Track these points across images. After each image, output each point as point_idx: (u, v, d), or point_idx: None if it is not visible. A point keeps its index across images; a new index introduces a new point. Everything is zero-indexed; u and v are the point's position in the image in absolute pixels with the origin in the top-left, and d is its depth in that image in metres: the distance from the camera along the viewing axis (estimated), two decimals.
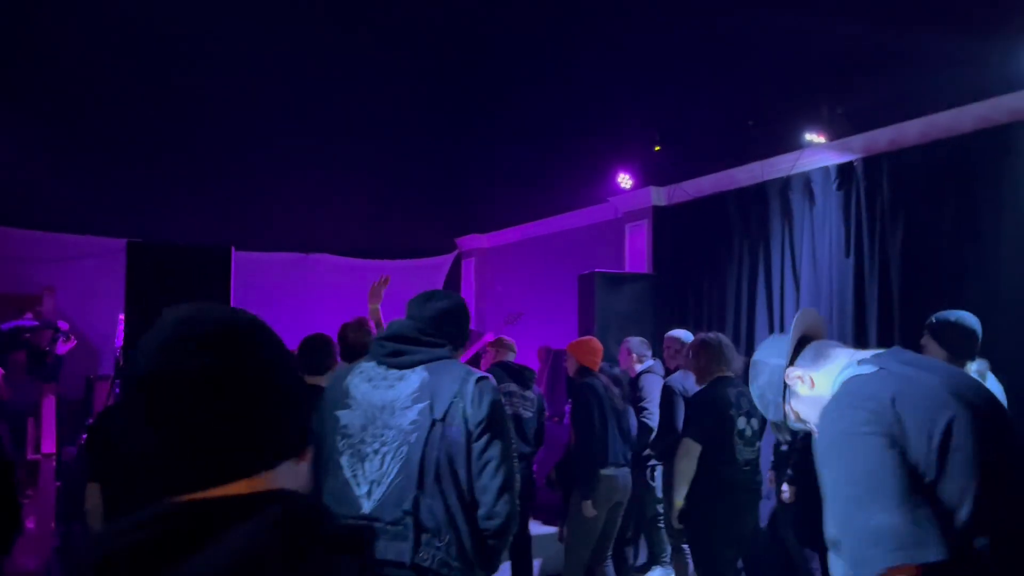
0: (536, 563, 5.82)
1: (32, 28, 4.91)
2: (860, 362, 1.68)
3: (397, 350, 2.39)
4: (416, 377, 2.33)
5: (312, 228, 9.24)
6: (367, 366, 2.42)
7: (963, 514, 1.44)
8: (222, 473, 0.85)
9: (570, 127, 6.72)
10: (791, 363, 1.83)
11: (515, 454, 2.39)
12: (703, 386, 4.52)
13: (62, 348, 7.06)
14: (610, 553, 5.15)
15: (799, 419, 1.87)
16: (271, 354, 0.94)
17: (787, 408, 1.86)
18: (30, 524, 6.30)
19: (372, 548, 0.85)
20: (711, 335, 4.64)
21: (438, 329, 2.42)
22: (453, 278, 11.11)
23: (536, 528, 6.38)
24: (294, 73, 5.67)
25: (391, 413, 2.29)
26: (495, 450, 2.28)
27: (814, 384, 1.79)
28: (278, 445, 0.92)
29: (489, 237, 10.80)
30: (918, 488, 1.44)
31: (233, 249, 5.50)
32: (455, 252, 11.24)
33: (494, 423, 2.30)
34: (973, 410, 1.53)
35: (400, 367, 2.36)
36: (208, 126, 6.32)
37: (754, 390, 1.95)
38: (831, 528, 1.52)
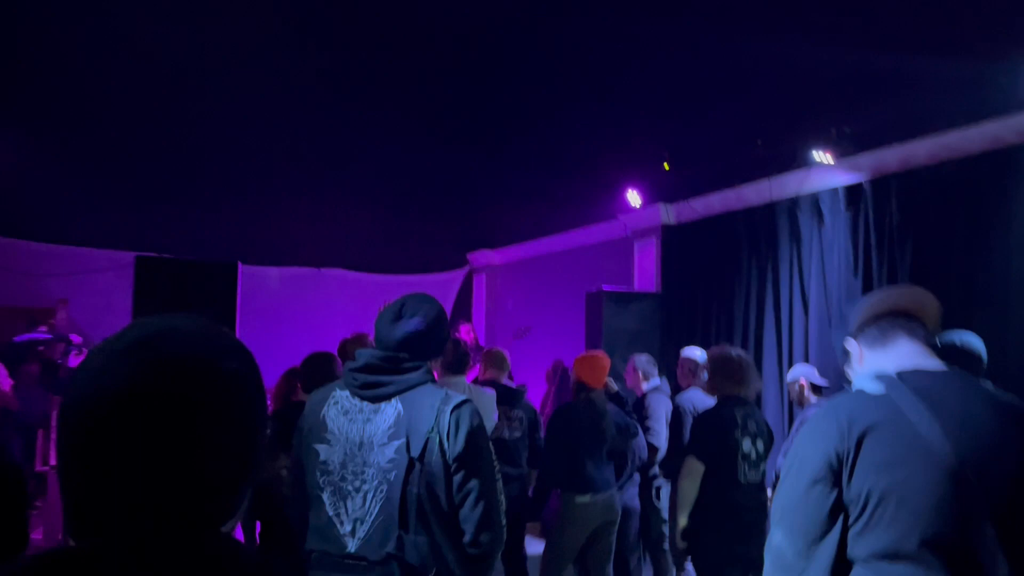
0: None
1: (45, 44, 4.96)
2: (878, 377, 1.66)
3: (368, 382, 2.32)
4: (391, 410, 2.28)
5: (324, 243, 9.27)
6: (341, 396, 2.36)
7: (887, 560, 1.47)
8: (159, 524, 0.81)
9: (580, 144, 6.73)
10: (856, 333, 1.85)
11: (498, 479, 2.36)
12: (716, 402, 4.48)
13: (74, 361, 7.12)
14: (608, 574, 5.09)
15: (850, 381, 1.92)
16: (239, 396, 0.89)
17: (847, 372, 1.91)
18: (38, 536, 6.33)
19: None
20: (734, 349, 4.56)
21: (410, 353, 2.34)
22: (464, 293, 11.13)
23: (535, 546, 6.35)
24: (306, 89, 5.70)
25: (369, 449, 2.26)
26: (474, 482, 2.25)
27: (862, 361, 1.82)
28: (229, 509, 0.87)
29: (500, 253, 10.81)
30: (834, 526, 1.52)
31: (240, 264, 5.55)
32: (466, 268, 11.26)
33: (472, 454, 2.26)
34: (956, 464, 1.49)
35: (374, 400, 2.31)
36: (219, 142, 6.36)
37: (840, 337, 2.03)
38: None
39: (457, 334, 5.20)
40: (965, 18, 4.40)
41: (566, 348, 8.60)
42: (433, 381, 2.39)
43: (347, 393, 2.36)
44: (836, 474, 1.53)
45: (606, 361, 4.97)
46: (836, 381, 5.94)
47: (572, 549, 4.74)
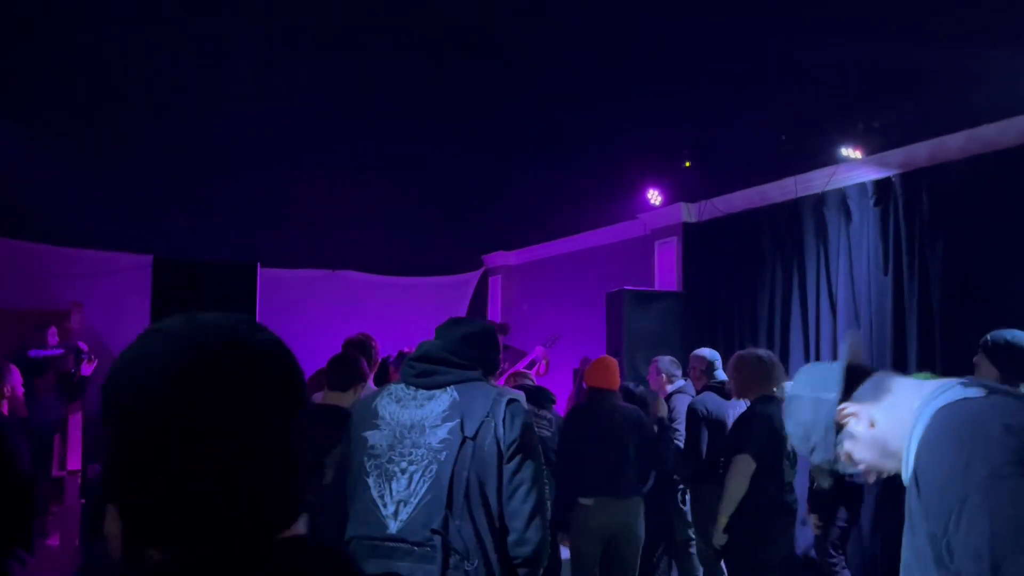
0: None
1: (62, 47, 4.93)
2: (966, 384, 1.47)
3: (426, 370, 2.35)
4: (447, 397, 2.29)
5: (339, 245, 9.24)
6: (396, 388, 2.38)
7: None
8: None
9: (599, 143, 6.64)
10: (844, 398, 1.63)
11: (547, 483, 2.31)
12: (751, 402, 4.38)
13: (87, 369, 7.10)
14: None
15: (851, 461, 1.66)
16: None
17: (838, 450, 1.65)
18: (54, 541, 6.28)
19: None
20: (761, 351, 4.53)
21: (467, 351, 2.37)
22: (479, 295, 11.05)
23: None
24: (323, 90, 5.65)
25: (420, 432, 2.24)
26: (527, 472, 2.22)
27: (874, 422, 1.59)
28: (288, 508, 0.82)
29: (516, 254, 10.73)
30: None
31: (259, 265, 5.48)
32: (481, 269, 11.18)
33: (526, 445, 2.24)
34: None
35: (429, 387, 2.32)
36: (236, 143, 6.32)
37: (794, 428, 1.73)
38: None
39: None
40: (995, 10, 4.30)
41: (585, 349, 8.49)
42: (487, 382, 2.41)
43: (402, 385, 2.38)
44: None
45: (613, 363, 4.91)
46: None
47: (588, 555, 4.62)
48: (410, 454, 2.22)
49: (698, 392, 5.45)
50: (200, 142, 6.27)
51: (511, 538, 2.19)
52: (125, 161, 6.60)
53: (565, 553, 5.35)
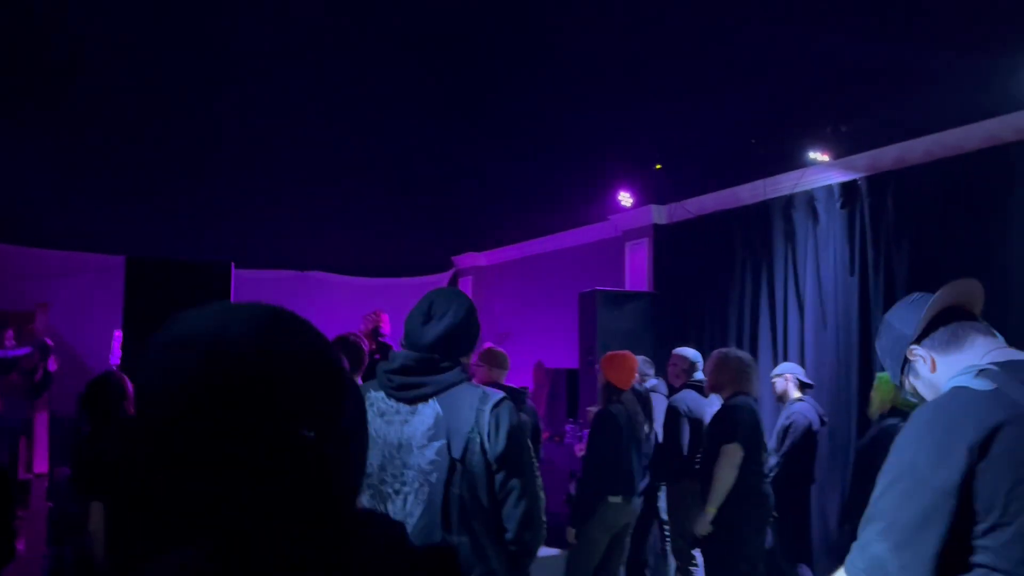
0: None
1: (29, 43, 4.85)
2: (981, 371, 1.56)
3: (404, 384, 2.29)
4: (430, 412, 2.26)
5: (309, 246, 9.19)
6: (376, 397, 2.32)
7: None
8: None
9: (571, 145, 6.69)
10: (919, 340, 1.73)
11: (539, 476, 2.36)
12: (731, 395, 4.50)
13: (52, 365, 7.00)
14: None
15: (915, 394, 1.80)
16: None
17: (905, 380, 1.80)
18: (20, 546, 6.16)
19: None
20: (740, 352, 4.68)
21: (443, 352, 2.30)
22: None
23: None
24: (293, 90, 5.62)
25: (408, 452, 2.23)
26: (516, 480, 2.24)
27: (935, 368, 1.71)
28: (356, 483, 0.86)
29: (487, 255, 10.75)
30: (955, 537, 1.42)
31: (233, 266, 5.44)
32: (452, 270, 11.19)
33: (513, 453, 2.25)
34: None
35: (411, 401, 2.28)
36: (208, 143, 6.27)
37: (878, 347, 1.89)
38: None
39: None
40: (960, 17, 4.43)
41: (555, 350, 8.56)
42: (469, 380, 2.35)
43: (382, 394, 2.32)
44: (964, 481, 1.42)
45: (634, 361, 4.91)
46: (828, 380, 5.95)
47: (599, 551, 4.70)
48: (401, 475, 2.23)
49: (677, 390, 5.53)
50: (173, 142, 6.21)
51: (507, 536, 2.25)
52: (97, 161, 6.51)
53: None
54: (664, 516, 5.60)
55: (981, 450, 1.41)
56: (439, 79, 5.53)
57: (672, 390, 5.81)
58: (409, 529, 2.12)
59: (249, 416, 0.76)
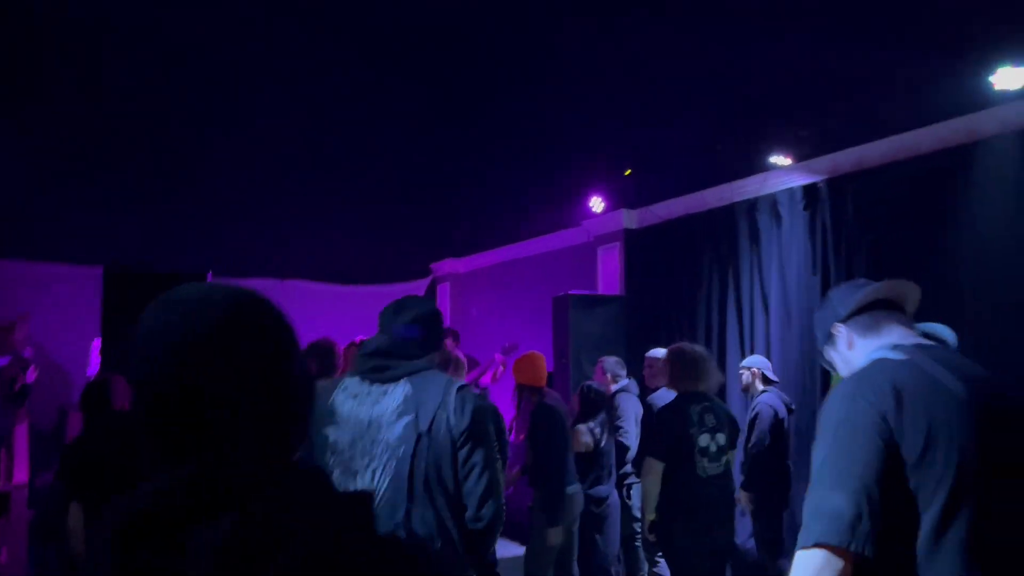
0: None
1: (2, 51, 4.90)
2: (896, 347, 1.76)
3: (378, 365, 2.47)
4: (400, 391, 2.42)
5: (287, 254, 9.24)
6: (350, 382, 2.49)
7: (932, 520, 1.55)
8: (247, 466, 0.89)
9: (543, 151, 6.82)
10: (846, 319, 1.91)
11: (499, 459, 2.51)
12: (667, 402, 4.62)
13: (31, 376, 7.04)
14: (575, 569, 5.17)
15: (832, 368, 1.99)
16: (288, 343, 0.99)
17: (826, 352, 1.98)
18: (3, 556, 6.20)
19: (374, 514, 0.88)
20: (691, 346, 4.72)
21: (414, 341, 2.50)
22: None
23: (504, 548, 6.39)
24: (270, 98, 5.70)
25: (378, 428, 2.37)
26: (478, 456, 2.39)
27: (852, 346, 1.89)
28: (298, 436, 0.97)
29: (464, 261, 10.86)
30: (891, 485, 1.55)
31: (210, 275, 5.53)
32: (430, 277, 11.28)
33: (476, 430, 2.41)
34: (988, 432, 1.60)
35: (383, 381, 2.44)
36: (186, 153, 6.33)
37: (814, 317, 2.06)
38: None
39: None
40: (914, 24, 4.60)
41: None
42: (437, 370, 2.54)
43: (356, 379, 2.50)
44: (888, 429, 1.58)
45: (542, 360, 5.10)
46: (793, 376, 6.12)
47: (556, 546, 4.82)
48: (371, 451, 2.36)
49: (655, 390, 5.67)
50: (150, 152, 6.26)
51: (468, 514, 2.39)
52: (75, 171, 6.55)
53: (502, 550, 5.52)
54: (637, 513, 5.73)
55: (897, 402, 1.60)
56: (415, 88, 5.63)
57: (649, 391, 5.98)
58: (378, 500, 2.31)
59: (237, 356, 0.90)
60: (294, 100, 5.73)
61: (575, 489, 4.88)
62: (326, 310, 9.57)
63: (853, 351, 1.89)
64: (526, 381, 4.96)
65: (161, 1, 4.32)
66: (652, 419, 5.27)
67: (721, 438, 4.45)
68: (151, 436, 0.89)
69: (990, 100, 4.94)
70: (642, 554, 5.77)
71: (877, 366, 1.73)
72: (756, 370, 5.46)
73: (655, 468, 4.37)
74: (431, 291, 11.27)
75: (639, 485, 5.61)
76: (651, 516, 4.45)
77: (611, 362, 6.13)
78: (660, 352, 5.78)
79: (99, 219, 7.24)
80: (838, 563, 1.50)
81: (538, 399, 4.93)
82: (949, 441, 1.57)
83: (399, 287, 10.92)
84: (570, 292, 7.52)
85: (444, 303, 11.07)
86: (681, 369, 4.58)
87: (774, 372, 5.73)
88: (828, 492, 1.57)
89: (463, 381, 2.54)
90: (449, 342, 7.57)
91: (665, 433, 4.40)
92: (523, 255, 9.73)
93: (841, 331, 1.91)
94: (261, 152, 6.53)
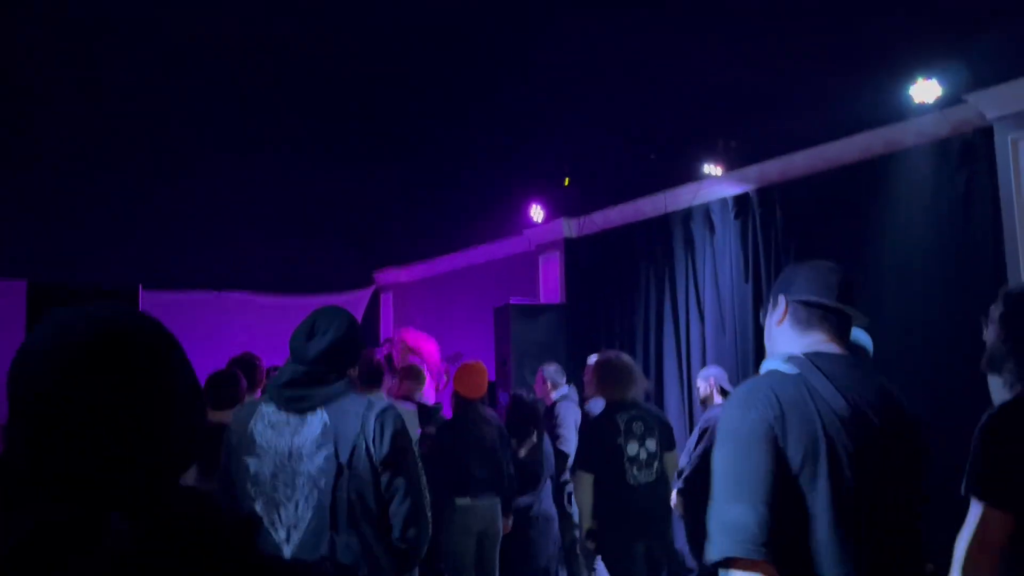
0: None
1: None
2: (790, 359, 1.82)
3: (293, 396, 2.44)
4: (318, 421, 2.40)
5: (223, 265, 9.09)
6: (267, 410, 2.46)
7: (822, 520, 1.65)
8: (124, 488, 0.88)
9: (484, 161, 6.86)
10: (798, 301, 1.93)
11: (422, 476, 2.52)
12: (603, 408, 4.66)
13: None
14: None
15: (764, 327, 2.04)
16: (172, 363, 0.97)
17: (766, 311, 2.02)
18: None
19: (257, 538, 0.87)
20: (612, 354, 4.76)
21: (328, 366, 2.45)
22: (371, 313, 11.07)
23: None
24: (200, 105, 5.63)
25: (299, 460, 2.37)
26: (400, 480, 2.41)
27: (780, 323, 1.94)
28: (183, 458, 0.95)
29: (407, 271, 10.83)
30: (783, 492, 1.64)
31: (141, 288, 5.43)
32: (372, 287, 11.22)
33: (397, 455, 2.41)
34: (865, 435, 1.70)
35: (300, 411, 2.42)
36: (111, 161, 6.20)
37: (780, 276, 2.06)
38: None
39: (380, 352, 5.21)
40: (836, 39, 4.76)
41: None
42: (355, 391, 2.50)
43: (273, 408, 2.46)
44: (775, 438, 1.66)
45: (482, 372, 5.00)
46: (729, 382, 6.24)
47: (466, 555, 4.75)
48: (293, 482, 2.36)
49: (591, 397, 5.71)
50: (74, 160, 6.11)
51: (393, 535, 2.41)
52: None
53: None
54: (576, 520, 5.77)
55: (781, 414, 1.68)
56: (355, 97, 5.63)
57: (588, 398, 6.02)
58: (300, 532, 2.33)
59: (110, 368, 0.90)
60: (231, 108, 5.67)
61: (469, 502, 4.77)
62: (266, 321, 9.43)
63: (779, 329, 1.95)
64: (462, 392, 4.93)
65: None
66: (584, 429, 5.31)
67: (651, 444, 4.48)
68: (29, 463, 0.88)
69: (908, 112, 5.13)
70: (583, 560, 5.81)
71: (766, 379, 1.79)
72: (713, 381, 5.51)
73: (585, 480, 4.43)
74: (374, 300, 11.20)
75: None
76: (587, 524, 4.49)
77: (551, 370, 6.17)
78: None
79: (22, 231, 7.03)
80: (753, 574, 1.58)
81: (462, 412, 4.89)
82: (825, 457, 1.66)
83: (341, 297, 10.82)
84: (511, 301, 7.55)
85: (387, 312, 11.01)
86: (607, 378, 4.62)
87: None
88: (729, 504, 1.64)
89: (384, 402, 2.49)
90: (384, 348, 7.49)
91: (594, 444, 4.45)
92: (466, 264, 9.74)
93: (781, 304, 1.96)
94: (193, 161, 6.43)
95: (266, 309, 9.79)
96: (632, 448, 4.42)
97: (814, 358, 1.81)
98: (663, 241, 7.04)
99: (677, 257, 6.92)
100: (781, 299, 1.95)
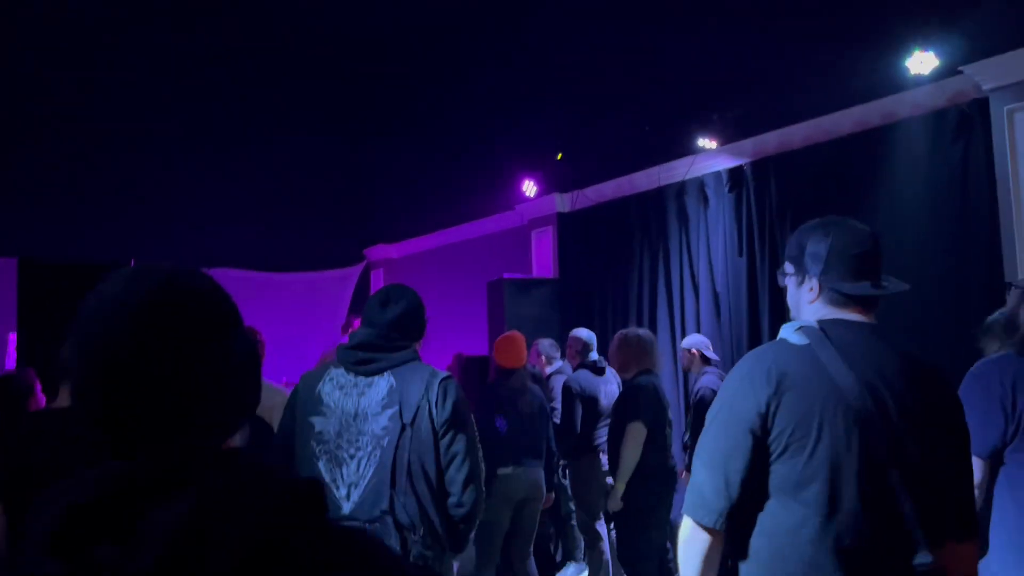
0: (454, 565, 5.85)
1: None
2: (801, 328, 1.78)
3: (364, 359, 2.55)
4: (384, 383, 2.52)
5: (214, 241, 9.04)
6: (336, 373, 2.57)
7: (807, 497, 1.65)
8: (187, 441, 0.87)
9: (475, 136, 6.82)
10: (828, 285, 1.85)
11: (479, 449, 2.61)
12: (635, 375, 4.70)
13: None
14: (531, 550, 5.20)
15: (783, 283, 1.98)
16: (239, 321, 0.97)
17: (787, 278, 1.95)
18: None
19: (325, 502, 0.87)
20: (641, 331, 4.88)
21: (399, 333, 2.59)
22: (362, 289, 11.05)
23: None
24: (191, 82, 5.56)
25: (364, 419, 2.48)
26: (460, 445, 2.51)
27: (813, 302, 1.86)
28: (238, 416, 0.95)
29: (398, 247, 10.80)
30: (754, 464, 1.68)
31: (133, 264, 5.37)
32: (363, 263, 11.18)
33: (457, 420, 2.51)
34: (868, 412, 1.66)
35: (368, 374, 2.54)
36: (103, 138, 6.13)
37: (802, 237, 1.95)
38: None
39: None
40: (829, 13, 4.74)
41: (469, 338, 8.69)
42: (419, 360, 2.62)
43: (342, 371, 2.58)
44: (763, 418, 1.67)
45: (521, 341, 5.06)
46: (722, 354, 6.28)
47: (501, 524, 4.81)
48: (357, 441, 2.46)
49: (574, 370, 5.72)
50: (65, 137, 6.05)
51: (451, 500, 2.51)
52: None
53: None
54: (571, 493, 5.80)
55: (777, 391, 1.68)
56: (347, 73, 5.57)
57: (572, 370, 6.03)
58: (360, 490, 2.42)
59: (173, 324, 0.88)
60: (217, 85, 5.60)
61: (511, 471, 4.84)
62: (256, 297, 9.39)
63: (812, 306, 1.88)
64: (502, 362, 4.94)
65: None
66: (570, 398, 5.31)
67: (669, 413, 4.68)
68: (98, 418, 0.87)
69: (904, 84, 5.13)
70: (578, 533, 5.85)
71: (772, 352, 1.77)
72: (696, 351, 5.54)
73: (640, 435, 4.47)
74: (364, 277, 11.17)
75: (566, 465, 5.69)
76: (623, 487, 4.53)
77: (545, 344, 6.18)
78: (580, 332, 5.83)
79: (13, 208, 6.96)
80: (703, 535, 1.72)
81: (504, 380, 4.92)
82: (820, 435, 1.65)
83: (331, 273, 10.80)
84: (504, 276, 7.54)
85: (377, 288, 10.97)
86: (637, 350, 4.72)
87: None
88: (701, 467, 1.74)
89: (446, 373, 2.59)
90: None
91: (648, 400, 4.52)
92: (458, 239, 9.72)
93: (814, 286, 1.86)
94: (185, 137, 6.37)
95: (257, 285, 9.75)
96: (670, 413, 4.63)
97: (828, 327, 1.77)
98: (657, 215, 7.04)
99: (671, 231, 6.92)
100: (814, 280, 1.85)
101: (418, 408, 2.46)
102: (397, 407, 2.47)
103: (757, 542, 1.70)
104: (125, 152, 6.46)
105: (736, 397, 1.73)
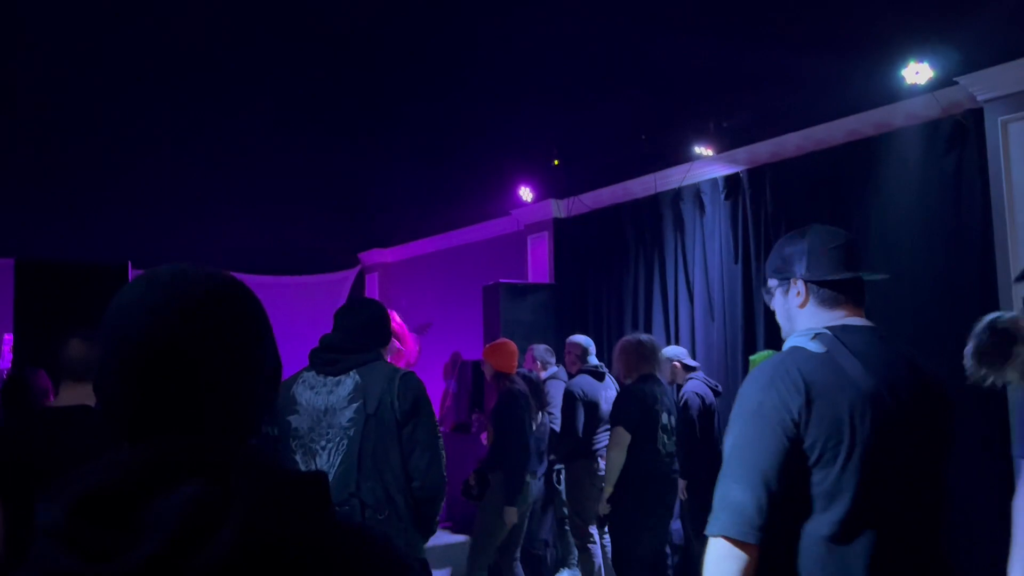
0: (445, 572, 5.88)
1: None
2: (817, 336, 1.77)
3: (331, 359, 2.80)
4: (350, 381, 2.76)
5: (209, 244, 9.05)
6: (308, 375, 2.82)
7: (840, 507, 1.64)
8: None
9: (471, 141, 6.84)
10: (814, 280, 1.86)
11: (439, 437, 2.81)
12: (632, 381, 4.77)
13: None
14: (519, 553, 5.24)
15: (769, 300, 1.99)
16: (262, 324, 0.99)
17: (772, 290, 1.96)
18: None
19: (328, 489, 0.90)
20: (643, 336, 4.96)
21: (365, 337, 2.85)
22: (356, 293, 11.05)
23: (446, 537, 6.45)
24: (187, 85, 5.57)
25: (332, 414, 2.72)
26: (420, 433, 2.74)
27: (804, 305, 1.88)
28: (261, 419, 0.97)
29: (393, 251, 10.81)
30: (791, 476, 1.64)
31: (130, 266, 5.38)
32: (357, 267, 11.19)
33: (417, 411, 2.75)
34: (892, 416, 1.67)
35: (335, 373, 2.78)
36: (101, 138, 6.13)
37: (783, 243, 1.98)
38: None
39: None
40: (824, 22, 4.79)
41: (464, 342, 8.72)
42: (384, 360, 2.87)
43: (313, 373, 2.83)
44: (797, 427, 1.64)
45: (515, 347, 5.18)
46: (717, 361, 6.31)
47: (505, 529, 4.88)
48: (327, 434, 2.71)
49: (573, 375, 5.75)
50: (64, 138, 6.04)
51: (415, 484, 2.73)
52: None
53: (444, 538, 5.53)
54: (565, 497, 5.82)
55: (807, 398, 1.65)
56: (342, 76, 5.58)
57: (570, 376, 6.05)
58: (332, 476, 2.64)
59: (220, 325, 0.91)
60: (212, 86, 5.61)
61: (530, 479, 4.94)
62: None
63: (803, 311, 1.89)
64: (498, 367, 5.04)
65: None
66: (572, 404, 5.36)
67: (672, 419, 4.74)
68: (129, 416, 0.88)
69: (899, 94, 5.17)
70: (571, 538, 5.86)
71: (792, 358, 1.74)
72: (677, 362, 5.59)
73: (624, 439, 4.54)
74: (359, 281, 11.18)
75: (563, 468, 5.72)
76: (610, 490, 4.58)
77: (540, 350, 6.22)
78: (578, 338, 5.86)
79: (10, 209, 6.96)
80: (740, 554, 1.61)
81: (507, 385, 4.98)
82: (848, 442, 1.64)
83: (326, 277, 10.81)
84: (500, 281, 7.57)
85: (372, 293, 10.99)
86: (637, 355, 4.80)
87: (698, 359, 5.88)
88: (734, 483, 1.65)
89: (407, 370, 2.83)
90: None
91: (634, 407, 4.58)
92: (453, 244, 9.74)
93: (800, 288, 1.89)
94: (181, 140, 6.37)
95: (252, 288, 9.72)
96: (664, 417, 4.66)
97: (841, 334, 1.77)
98: (653, 222, 7.07)
99: (667, 238, 6.95)
100: (799, 283, 1.88)
101: (380, 400, 2.69)
102: (362, 400, 2.70)
103: (786, 555, 1.66)
104: (121, 155, 6.46)
105: (764, 407, 1.67)
